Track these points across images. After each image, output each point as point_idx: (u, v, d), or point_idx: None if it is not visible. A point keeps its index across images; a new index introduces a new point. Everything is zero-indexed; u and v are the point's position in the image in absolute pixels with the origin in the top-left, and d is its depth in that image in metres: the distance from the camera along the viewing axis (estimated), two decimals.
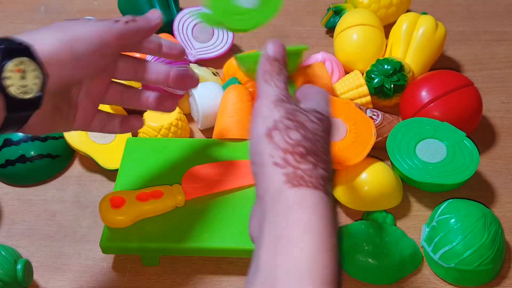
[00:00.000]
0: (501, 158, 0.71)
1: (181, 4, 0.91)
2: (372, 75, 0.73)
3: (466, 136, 0.65)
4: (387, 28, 0.83)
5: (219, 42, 0.82)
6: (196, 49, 0.81)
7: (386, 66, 0.72)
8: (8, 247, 0.58)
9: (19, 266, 0.56)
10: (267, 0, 0.64)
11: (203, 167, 0.64)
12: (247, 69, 0.53)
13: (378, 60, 0.73)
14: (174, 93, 0.72)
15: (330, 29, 0.87)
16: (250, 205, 0.60)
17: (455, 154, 0.64)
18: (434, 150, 0.64)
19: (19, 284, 0.56)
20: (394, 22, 0.80)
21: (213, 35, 0.83)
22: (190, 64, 0.77)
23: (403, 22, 0.77)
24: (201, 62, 0.81)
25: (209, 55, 0.81)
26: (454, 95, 0.68)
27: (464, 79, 0.70)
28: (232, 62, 0.76)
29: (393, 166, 0.66)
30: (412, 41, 0.76)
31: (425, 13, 0.79)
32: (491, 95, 0.79)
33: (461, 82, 0.69)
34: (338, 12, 0.85)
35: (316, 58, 0.77)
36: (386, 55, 0.79)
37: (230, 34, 0.83)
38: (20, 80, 0.40)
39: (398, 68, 0.72)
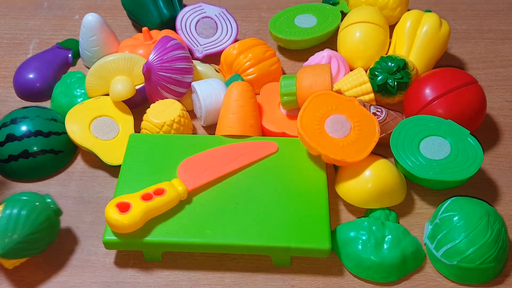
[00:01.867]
0: (504, 157, 0.71)
1: (184, 0, 0.91)
2: (376, 73, 0.73)
3: (470, 133, 0.65)
4: (391, 27, 0.83)
5: (224, 36, 0.82)
6: (202, 45, 0.81)
7: (390, 64, 0.72)
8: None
9: (48, 199, 0.60)
10: (323, 20, 0.83)
11: (195, 157, 0.64)
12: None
13: (382, 57, 0.73)
14: (177, 90, 0.72)
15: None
16: (253, 202, 0.61)
17: (459, 151, 0.64)
18: (438, 147, 0.64)
19: (55, 212, 0.60)
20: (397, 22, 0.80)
21: (216, 29, 0.83)
22: (194, 60, 0.77)
23: (407, 20, 0.77)
24: (207, 58, 0.81)
25: (216, 49, 0.81)
26: (458, 92, 0.68)
27: (468, 77, 0.70)
28: (230, 51, 0.76)
29: (396, 163, 0.65)
30: (416, 39, 0.76)
31: (429, 11, 0.78)
32: (495, 93, 0.79)
33: (465, 80, 0.69)
34: None
35: (322, 55, 0.77)
36: (390, 53, 0.78)
37: (234, 26, 0.83)
38: None
39: (402, 66, 0.72)
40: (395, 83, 0.72)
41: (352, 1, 0.85)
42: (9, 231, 0.56)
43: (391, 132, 0.68)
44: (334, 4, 0.88)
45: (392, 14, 0.83)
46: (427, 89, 0.69)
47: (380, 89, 0.73)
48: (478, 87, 0.69)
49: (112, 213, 0.57)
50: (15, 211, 0.56)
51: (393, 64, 0.72)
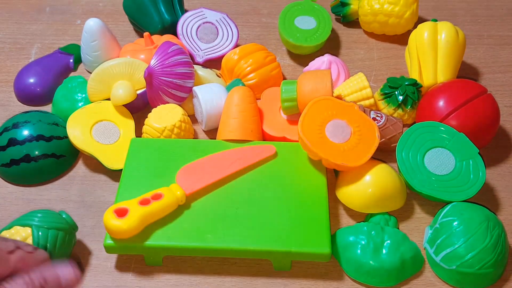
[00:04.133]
0: (504, 162, 0.72)
1: (185, 5, 0.91)
2: (390, 87, 0.72)
3: (478, 152, 0.64)
4: (393, 38, 0.83)
5: (224, 41, 0.83)
6: (202, 50, 0.82)
7: (397, 81, 0.73)
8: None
9: (63, 215, 0.60)
10: (322, 25, 0.83)
11: (194, 163, 0.65)
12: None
13: (387, 79, 0.74)
14: (178, 95, 0.73)
15: (336, 15, 0.90)
16: (254, 206, 0.61)
17: (462, 170, 0.63)
18: (442, 162, 0.64)
19: (71, 227, 0.60)
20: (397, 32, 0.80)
21: (217, 34, 0.83)
22: (195, 65, 0.78)
23: (423, 32, 0.75)
24: (208, 63, 0.82)
25: (217, 54, 0.82)
26: (472, 104, 0.67)
27: (478, 87, 0.69)
28: (230, 56, 0.76)
29: (398, 168, 0.65)
30: (439, 49, 0.74)
31: (435, 20, 0.78)
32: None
33: (477, 90, 0.68)
34: (344, 4, 0.87)
35: (322, 60, 0.77)
36: (414, 71, 0.77)
37: (235, 31, 0.83)
38: None
39: (409, 81, 0.72)
40: (415, 92, 0.72)
41: (361, 11, 0.85)
42: None
43: (391, 137, 0.68)
44: (344, 4, 0.88)
45: (399, 22, 0.83)
46: (441, 102, 0.68)
47: (403, 101, 0.72)
48: (490, 96, 0.69)
49: (110, 218, 0.57)
50: (50, 245, 0.58)
51: (399, 80, 0.73)
